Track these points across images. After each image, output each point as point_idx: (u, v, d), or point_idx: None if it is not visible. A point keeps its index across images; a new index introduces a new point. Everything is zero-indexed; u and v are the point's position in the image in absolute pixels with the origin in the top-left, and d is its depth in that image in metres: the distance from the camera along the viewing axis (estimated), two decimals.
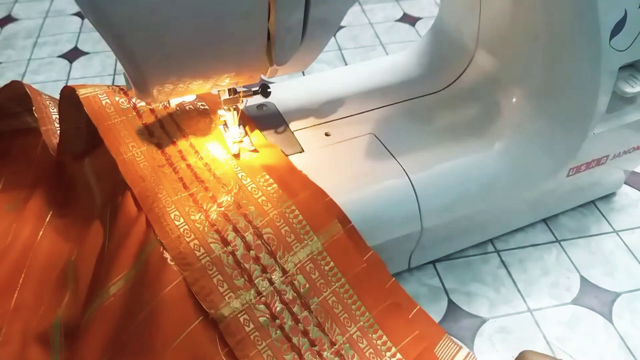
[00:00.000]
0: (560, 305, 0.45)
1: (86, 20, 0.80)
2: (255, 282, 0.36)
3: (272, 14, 0.31)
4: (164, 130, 0.42)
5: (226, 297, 0.35)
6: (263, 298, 0.36)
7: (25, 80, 0.69)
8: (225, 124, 0.42)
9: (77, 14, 0.83)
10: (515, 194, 0.45)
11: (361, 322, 0.37)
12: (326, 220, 0.38)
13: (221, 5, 0.29)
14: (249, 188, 0.38)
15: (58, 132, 0.48)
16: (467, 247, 0.49)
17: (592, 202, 0.54)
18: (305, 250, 0.37)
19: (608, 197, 0.54)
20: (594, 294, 0.46)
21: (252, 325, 0.35)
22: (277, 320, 0.36)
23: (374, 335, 0.37)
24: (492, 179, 0.44)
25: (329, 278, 0.37)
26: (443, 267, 0.48)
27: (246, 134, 0.42)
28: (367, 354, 0.37)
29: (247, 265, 0.36)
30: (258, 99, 0.48)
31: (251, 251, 0.36)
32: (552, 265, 0.48)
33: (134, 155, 0.40)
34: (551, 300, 0.45)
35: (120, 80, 0.69)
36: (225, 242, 0.36)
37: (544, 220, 0.52)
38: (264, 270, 0.36)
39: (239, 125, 0.41)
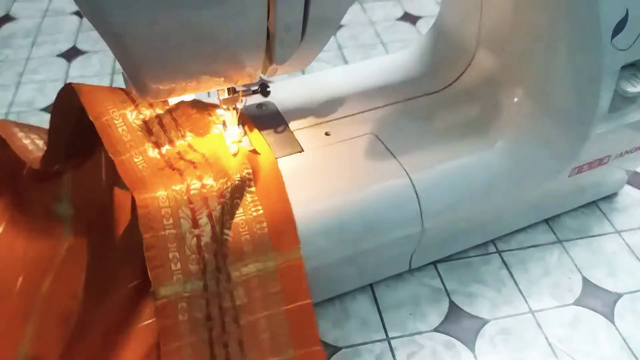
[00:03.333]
0: (562, 306, 0.45)
1: (85, 19, 0.80)
2: (207, 275, 0.34)
3: (271, 13, 0.30)
4: (162, 129, 0.42)
5: (174, 277, 0.34)
6: (206, 294, 0.34)
7: (24, 80, 0.69)
8: (224, 124, 0.41)
9: (76, 13, 0.82)
10: (517, 194, 0.45)
11: (281, 358, 0.36)
12: (289, 243, 0.37)
13: (220, 4, 0.28)
14: (235, 183, 0.37)
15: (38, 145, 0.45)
16: (469, 248, 0.49)
17: (594, 202, 0.53)
18: (257, 265, 0.36)
19: (610, 197, 0.54)
20: (596, 295, 0.46)
21: (186, 316, 0.34)
22: (209, 323, 0.35)
23: None
24: (494, 179, 0.44)
25: (270, 302, 0.36)
26: (444, 267, 0.48)
27: (245, 133, 0.42)
28: None
29: (206, 255, 0.34)
30: (257, 99, 0.47)
31: (215, 244, 0.35)
32: (553, 266, 0.48)
33: (132, 155, 0.40)
34: (553, 301, 0.45)
35: (119, 79, 0.69)
36: (195, 224, 0.34)
37: (546, 221, 0.52)
38: (218, 268, 0.35)
39: (238, 124, 0.41)
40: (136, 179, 0.38)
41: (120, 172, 0.38)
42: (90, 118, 0.40)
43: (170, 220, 0.34)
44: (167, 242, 0.34)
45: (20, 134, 0.47)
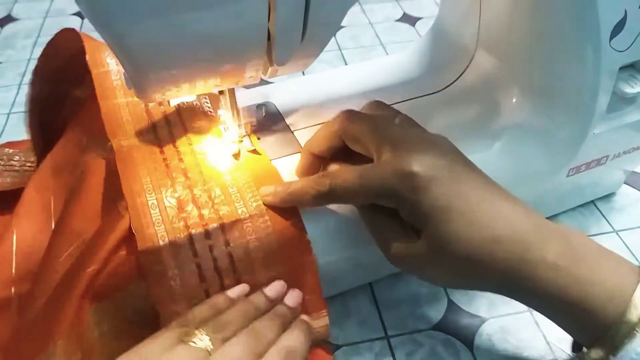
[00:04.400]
0: None
1: (86, 20, 0.80)
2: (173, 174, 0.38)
3: (272, 14, 0.31)
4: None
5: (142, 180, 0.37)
6: (177, 194, 0.37)
7: (25, 80, 0.69)
8: (225, 124, 0.42)
9: (77, 14, 0.83)
10: (515, 194, 0.45)
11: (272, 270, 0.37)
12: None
13: (221, 5, 0.29)
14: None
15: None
16: None
17: (592, 202, 0.54)
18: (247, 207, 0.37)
19: (608, 197, 0.54)
20: None
21: (157, 210, 0.36)
22: (184, 214, 0.36)
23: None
24: (492, 178, 0.44)
25: (260, 230, 0.37)
26: None
27: (246, 133, 0.42)
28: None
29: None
30: (257, 99, 0.48)
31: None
32: None
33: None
34: None
35: None
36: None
37: None
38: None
39: (239, 125, 0.41)
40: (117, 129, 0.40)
41: (104, 119, 0.40)
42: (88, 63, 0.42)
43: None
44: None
45: None
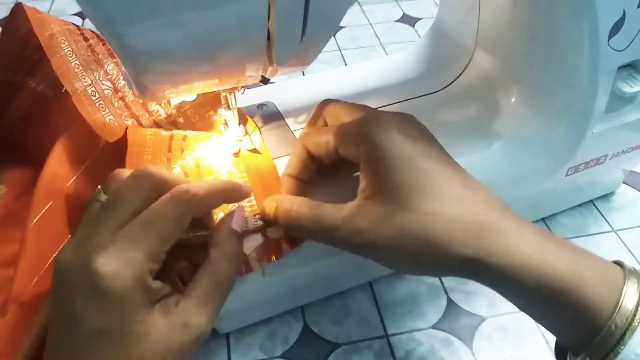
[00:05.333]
0: None
1: (87, 20, 0.80)
2: (105, 66, 0.42)
3: (271, 13, 0.31)
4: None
5: (79, 75, 0.41)
6: (109, 76, 0.42)
7: None
8: (225, 123, 0.42)
9: (78, 14, 0.83)
10: (514, 193, 0.45)
11: None
12: None
13: (221, 5, 0.29)
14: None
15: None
16: None
17: (591, 201, 0.54)
18: None
19: (607, 196, 0.54)
20: None
21: (97, 96, 0.41)
22: (119, 93, 0.42)
23: None
24: (491, 178, 0.44)
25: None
26: None
27: (246, 132, 0.42)
28: None
29: (100, 57, 0.43)
30: (258, 99, 0.48)
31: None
32: None
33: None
34: None
35: None
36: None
37: (543, 220, 0.52)
38: (115, 64, 0.43)
39: (239, 124, 0.42)
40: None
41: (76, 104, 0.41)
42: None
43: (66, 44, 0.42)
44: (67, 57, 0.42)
45: None
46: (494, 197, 0.32)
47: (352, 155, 0.33)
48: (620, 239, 0.50)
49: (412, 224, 0.30)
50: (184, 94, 0.38)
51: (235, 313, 0.41)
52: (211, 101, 0.44)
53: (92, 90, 0.42)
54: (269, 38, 0.33)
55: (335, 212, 0.32)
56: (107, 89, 0.42)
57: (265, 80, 0.42)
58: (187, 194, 0.30)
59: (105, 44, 0.44)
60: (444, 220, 0.29)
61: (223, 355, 0.42)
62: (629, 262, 0.48)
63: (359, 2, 0.85)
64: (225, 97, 0.40)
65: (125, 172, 0.32)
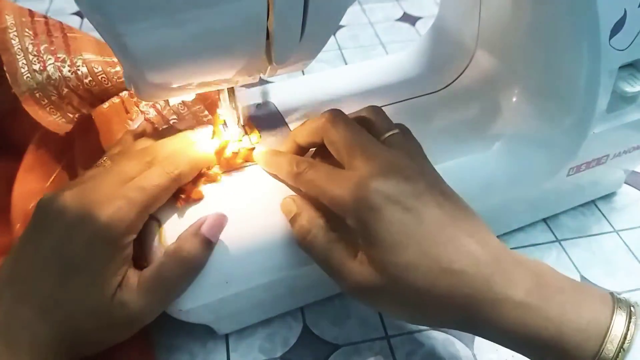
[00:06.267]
0: None
1: (86, 20, 0.80)
2: (47, 67, 0.43)
3: (270, 12, 0.30)
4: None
5: (25, 78, 0.42)
6: (52, 81, 0.43)
7: None
8: (224, 124, 0.42)
9: (77, 14, 0.83)
10: (515, 193, 0.45)
11: None
12: None
13: (220, 4, 0.29)
14: None
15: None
16: None
17: (593, 201, 0.54)
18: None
19: (608, 196, 0.54)
20: None
21: (46, 101, 0.43)
22: (66, 99, 0.43)
23: None
24: (492, 178, 0.44)
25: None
26: None
27: (246, 133, 0.42)
28: None
29: (44, 56, 0.43)
30: (257, 99, 0.48)
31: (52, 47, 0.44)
32: (552, 265, 0.48)
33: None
34: None
35: None
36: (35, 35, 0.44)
37: (544, 220, 0.52)
38: (56, 60, 0.43)
39: (238, 124, 0.41)
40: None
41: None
42: None
43: (17, 41, 0.43)
44: (16, 56, 0.43)
45: None
46: (496, 243, 0.32)
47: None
48: (622, 239, 0.50)
49: (407, 299, 0.32)
50: (183, 93, 0.38)
51: (234, 314, 0.41)
52: (204, 101, 0.44)
53: (39, 95, 0.43)
54: (268, 37, 0.32)
55: (345, 259, 0.33)
56: (54, 95, 0.44)
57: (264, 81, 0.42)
58: (175, 170, 0.35)
59: (65, 36, 0.46)
60: (447, 273, 0.30)
61: (222, 356, 0.42)
62: (631, 263, 0.48)
63: (359, 1, 0.85)
64: (225, 97, 0.40)
65: (129, 140, 0.39)
